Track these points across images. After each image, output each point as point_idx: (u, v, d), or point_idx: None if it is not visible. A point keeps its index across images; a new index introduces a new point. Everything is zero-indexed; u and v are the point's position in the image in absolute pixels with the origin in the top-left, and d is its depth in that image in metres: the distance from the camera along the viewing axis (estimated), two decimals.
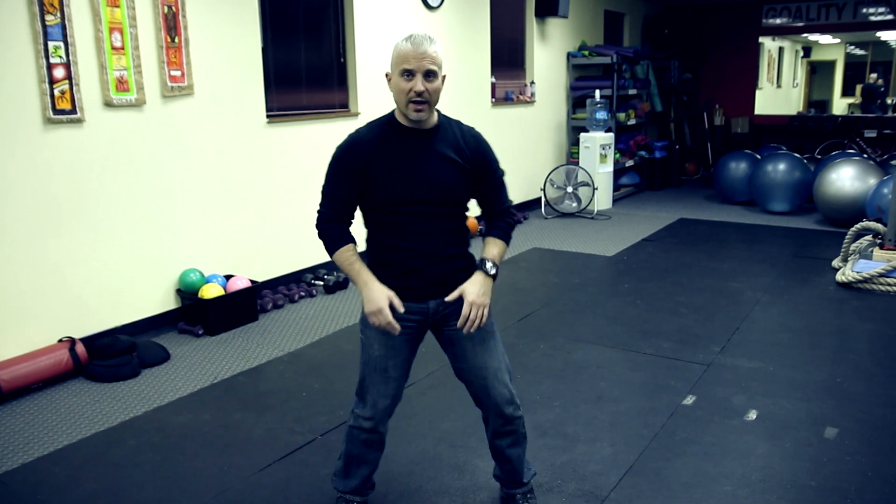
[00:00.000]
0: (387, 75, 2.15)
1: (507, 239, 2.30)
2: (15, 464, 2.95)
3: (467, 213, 2.32)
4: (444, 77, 2.12)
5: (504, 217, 2.31)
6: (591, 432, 3.12)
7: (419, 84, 2.05)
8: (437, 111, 2.20)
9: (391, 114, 2.20)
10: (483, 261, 2.23)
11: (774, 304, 4.80)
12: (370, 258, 2.26)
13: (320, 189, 2.23)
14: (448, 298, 2.20)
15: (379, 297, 2.13)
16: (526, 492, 2.51)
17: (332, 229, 2.19)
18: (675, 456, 2.92)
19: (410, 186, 2.13)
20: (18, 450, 3.07)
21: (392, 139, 2.15)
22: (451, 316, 2.27)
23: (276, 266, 5.23)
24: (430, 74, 2.06)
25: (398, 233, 2.18)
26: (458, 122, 2.26)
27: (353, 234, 2.23)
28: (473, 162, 2.20)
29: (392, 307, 2.15)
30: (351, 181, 2.15)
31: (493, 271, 2.21)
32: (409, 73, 2.05)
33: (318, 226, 2.22)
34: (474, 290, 2.17)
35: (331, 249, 2.20)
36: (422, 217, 2.17)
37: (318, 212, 2.22)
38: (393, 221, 2.18)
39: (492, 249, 2.26)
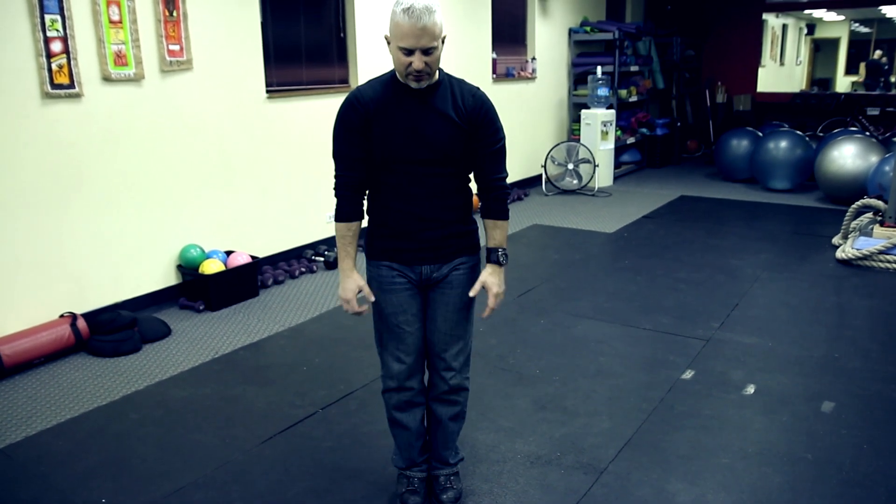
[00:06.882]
0: (385, 38, 2.12)
1: (505, 216, 2.31)
2: (19, 437, 2.98)
3: (469, 178, 2.31)
4: (444, 39, 2.08)
5: (498, 192, 2.27)
6: (589, 406, 3.14)
7: (418, 62, 2.03)
8: (440, 69, 2.19)
9: (391, 72, 2.19)
10: (494, 251, 2.27)
11: (774, 281, 4.80)
12: (370, 219, 2.31)
13: (331, 154, 2.26)
14: (471, 293, 2.29)
15: (347, 288, 2.28)
16: (450, 474, 2.52)
17: (343, 198, 2.23)
18: (673, 429, 2.94)
19: (407, 142, 2.14)
20: (22, 423, 3.10)
21: (391, 96, 2.15)
22: (441, 281, 2.29)
23: (277, 242, 5.23)
24: (428, 51, 2.03)
25: (395, 194, 2.20)
26: (461, 82, 2.23)
27: (362, 206, 2.27)
28: (469, 121, 2.17)
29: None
30: (357, 136, 2.16)
31: (504, 262, 2.28)
32: (407, 52, 2.03)
33: (334, 191, 2.25)
34: (495, 281, 2.28)
35: (336, 218, 2.27)
36: (419, 178, 2.17)
37: (335, 176, 2.24)
38: (391, 182, 2.20)
39: (496, 235, 2.29)
